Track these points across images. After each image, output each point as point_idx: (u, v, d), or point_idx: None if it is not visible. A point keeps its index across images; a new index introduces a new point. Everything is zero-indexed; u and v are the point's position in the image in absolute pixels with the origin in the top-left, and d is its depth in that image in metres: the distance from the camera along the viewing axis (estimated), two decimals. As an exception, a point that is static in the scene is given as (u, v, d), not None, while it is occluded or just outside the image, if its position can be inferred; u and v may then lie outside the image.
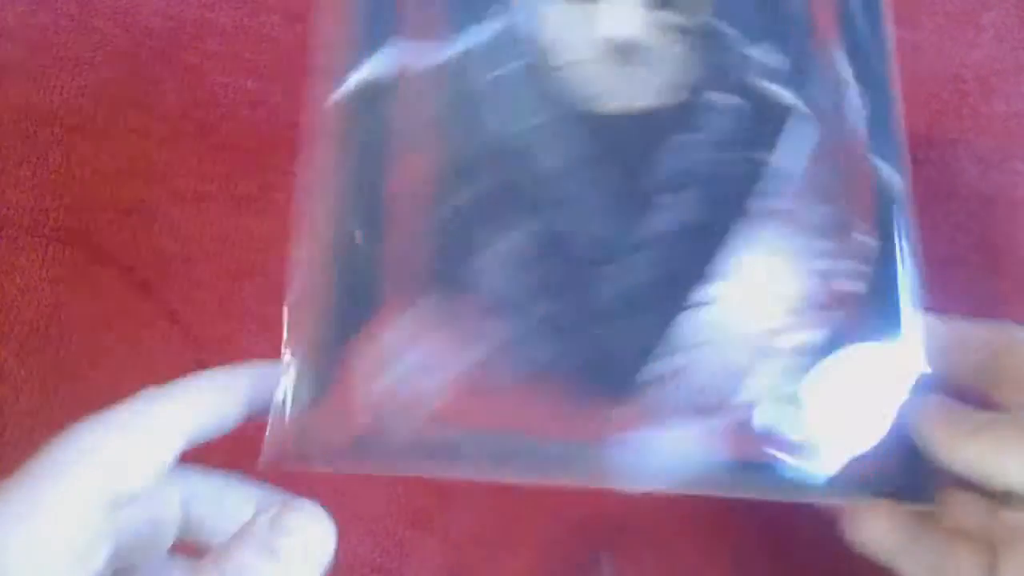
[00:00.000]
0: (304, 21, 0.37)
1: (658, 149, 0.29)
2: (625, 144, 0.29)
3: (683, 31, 0.30)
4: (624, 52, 0.29)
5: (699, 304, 0.27)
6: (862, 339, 0.28)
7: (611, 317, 0.27)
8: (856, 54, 0.31)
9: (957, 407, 0.26)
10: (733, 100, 0.30)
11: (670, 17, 0.30)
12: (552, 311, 0.27)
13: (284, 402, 0.25)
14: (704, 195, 0.28)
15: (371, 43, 0.28)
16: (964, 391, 0.26)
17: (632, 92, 0.29)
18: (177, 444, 0.22)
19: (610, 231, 0.28)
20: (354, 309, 0.26)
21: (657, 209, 0.28)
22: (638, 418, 0.26)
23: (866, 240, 0.29)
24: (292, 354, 0.25)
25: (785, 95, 0.30)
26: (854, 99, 0.30)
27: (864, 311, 0.28)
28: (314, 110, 0.27)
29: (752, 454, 0.26)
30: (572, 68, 0.29)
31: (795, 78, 0.30)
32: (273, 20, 0.37)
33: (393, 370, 0.25)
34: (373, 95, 0.28)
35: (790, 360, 0.27)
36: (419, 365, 0.25)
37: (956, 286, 0.32)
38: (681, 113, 0.29)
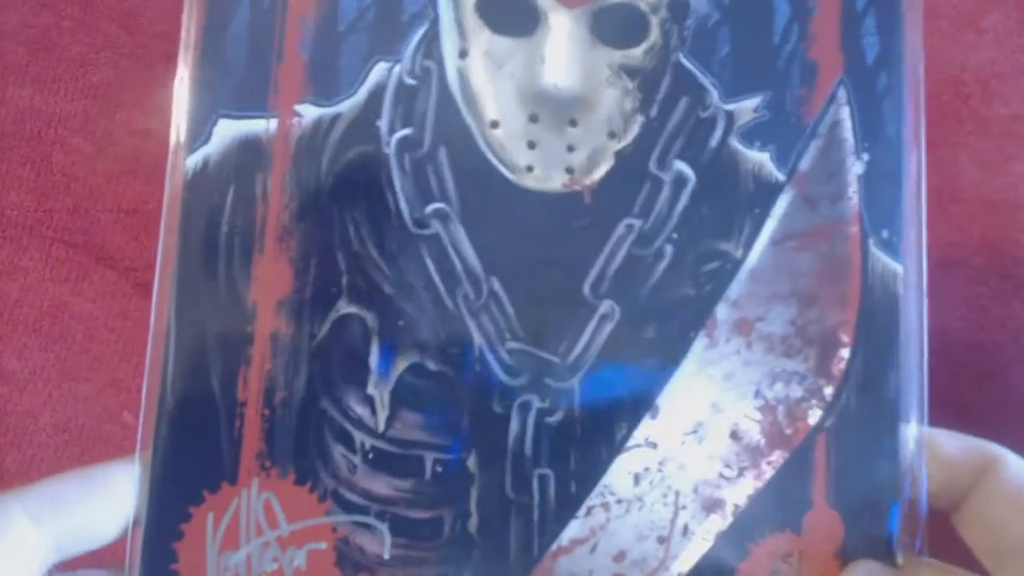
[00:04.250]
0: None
1: (595, 241, 0.24)
2: (552, 233, 0.24)
3: (641, 78, 0.24)
4: (563, 107, 0.24)
5: (629, 449, 0.23)
6: (817, 492, 0.23)
7: (520, 468, 0.23)
8: (864, 107, 0.24)
9: None
10: (697, 174, 0.24)
11: (626, 57, 0.24)
12: (448, 465, 0.23)
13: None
14: (654, 303, 0.24)
15: (205, 119, 0.23)
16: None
17: (568, 163, 0.24)
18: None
19: (532, 357, 0.23)
20: (199, 477, 0.22)
21: (595, 322, 0.24)
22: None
23: (841, 355, 0.23)
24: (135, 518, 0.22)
25: (767, 166, 0.24)
26: (854, 170, 0.24)
27: (831, 446, 0.23)
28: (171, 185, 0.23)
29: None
30: (496, 128, 0.24)
31: (782, 143, 0.24)
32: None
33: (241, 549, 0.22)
34: (214, 176, 0.23)
35: (731, 521, 0.23)
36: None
37: (957, 290, 0.32)
38: (629, 191, 0.24)
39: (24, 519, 0.20)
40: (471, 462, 0.23)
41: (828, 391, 0.24)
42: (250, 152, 0.23)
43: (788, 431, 0.24)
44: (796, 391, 0.24)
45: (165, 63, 0.34)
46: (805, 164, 0.25)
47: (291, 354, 0.23)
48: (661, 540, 0.23)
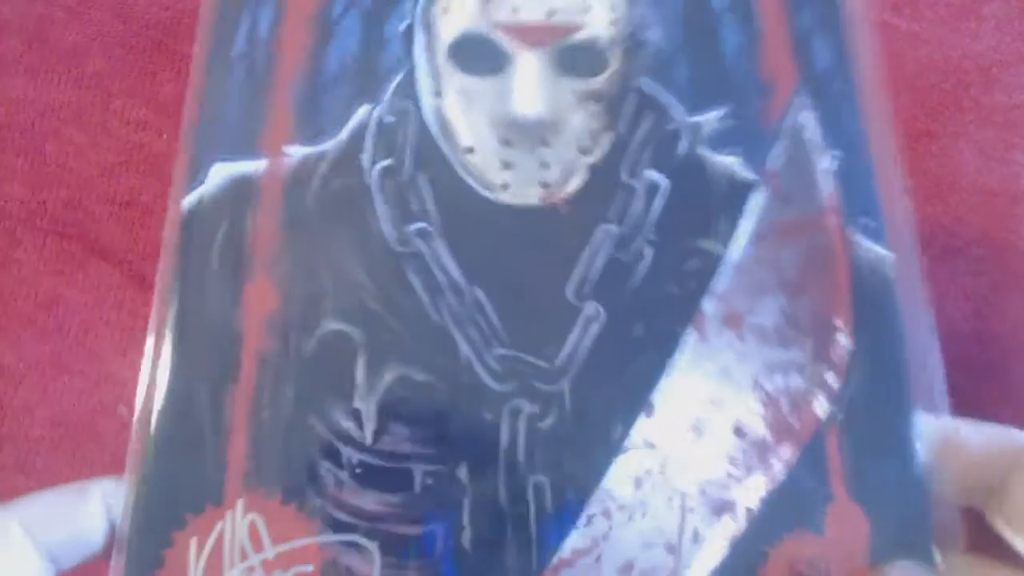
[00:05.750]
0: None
1: (574, 248, 0.24)
2: (532, 244, 0.24)
3: (606, 102, 0.25)
4: (533, 131, 0.25)
5: (626, 451, 0.22)
6: (837, 486, 0.21)
7: (514, 477, 0.22)
8: (824, 111, 0.25)
9: None
10: (669, 180, 0.24)
11: (589, 85, 0.26)
12: (438, 477, 0.22)
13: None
14: (639, 302, 0.23)
15: (203, 159, 0.24)
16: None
17: (542, 178, 0.25)
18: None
19: (519, 361, 0.23)
20: (185, 498, 0.22)
21: (581, 324, 0.24)
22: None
23: (841, 343, 0.23)
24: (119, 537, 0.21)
25: (736, 169, 0.25)
26: (823, 165, 0.24)
27: (843, 440, 0.22)
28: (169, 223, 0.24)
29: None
30: (472, 153, 0.25)
31: (748, 147, 0.25)
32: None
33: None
34: (208, 213, 0.24)
35: (745, 524, 0.21)
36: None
37: (957, 280, 0.32)
38: (603, 200, 0.24)
39: (19, 531, 0.20)
40: (462, 473, 0.22)
41: (832, 380, 0.23)
42: (241, 189, 0.24)
43: (795, 424, 0.23)
44: (798, 381, 0.23)
45: (158, 52, 0.34)
46: (773, 165, 0.25)
47: (278, 373, 0.23)
48: (670, 548, 0.21)
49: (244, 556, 0.21)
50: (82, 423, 0.30)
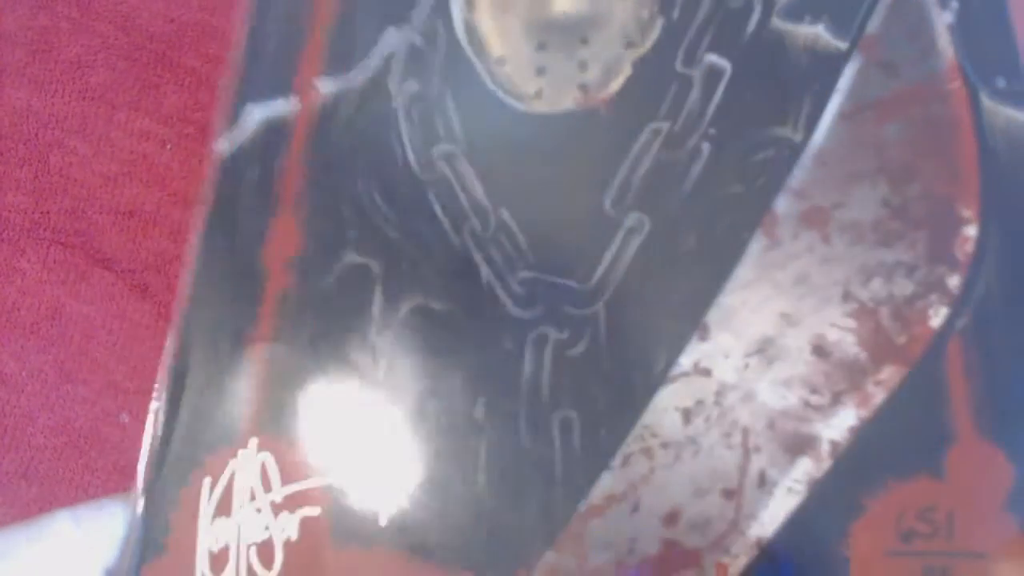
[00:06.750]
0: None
1: (615, 153, 0.20)
2: (566, 154, 0.21)
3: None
4: (572, 30, 0.22)
5: (678, 378, 0.18)
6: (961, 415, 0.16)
7: (536, 413, 0.19)
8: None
9: None
10: (733, 63, 0.20)
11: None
12: (452, 415, 0.19)
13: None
14: (693, 208, 0.19)
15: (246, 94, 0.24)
16: None
17: (580, 80, 0.22)
18: None
19: (547, 283, 0.20)
20: (200, 438, 0.21)
21: (620, 238, 0.20)
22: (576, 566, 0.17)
23: (966, 234, 0.17)
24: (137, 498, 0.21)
25: (822, 38, 0.20)
26: (939, 20, 0.19)
27: (970, 356, 0.16)
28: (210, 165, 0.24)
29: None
30: (504, 64, 0.22)
31: (837, 11, 0.20)
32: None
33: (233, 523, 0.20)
34: (240, 157, 0.23)
35: (830, 465, 0.16)
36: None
37: None
38: (652, 96, 0.21)
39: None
40: (478, 411, 0.19)
41: (953, 281, 0.17)
42: (271, 131, 0.24)
43: (900, 339, 0.17)
44: (904, 286, 0.18)
45: (162, 64, 0.35)
46: (873, 28, 0.20)
47: (296, 310, 0.21)
48: (728, 494, 0.17)
49: (253, 496, 0.20)
50: (84, 431, 0.30)
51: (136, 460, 0.26)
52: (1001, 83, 0.18)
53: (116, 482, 0.26)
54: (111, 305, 0.32)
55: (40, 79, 0.36)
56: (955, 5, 0.20)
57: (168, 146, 0.37)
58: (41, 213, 0.35)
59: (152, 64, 0.36)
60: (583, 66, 0.22)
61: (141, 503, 0.20)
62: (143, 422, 0.27)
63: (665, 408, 0.18)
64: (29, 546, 0.22)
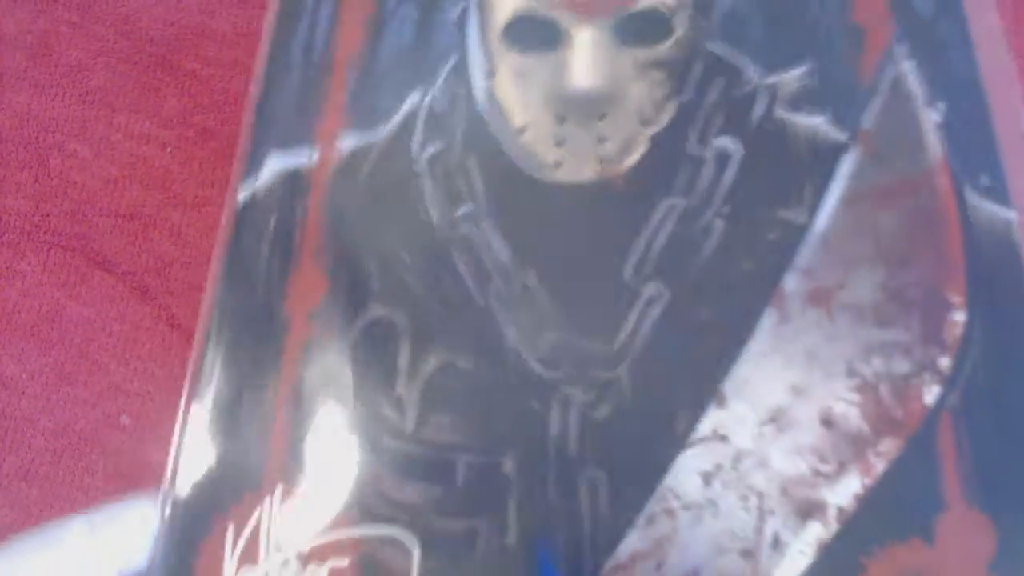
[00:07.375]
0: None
1: (632, 225, 0.22)
2: (585, 223, 0.22)
3: (670, 69, 0.23)
4: (590, 105, 0.24)
5: (697, 443, 0.20)
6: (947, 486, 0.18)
7: (565, 471, 0.20)
8: (928, 59, 0.21)
9: None
10: (743, 146, 0.22)
11: (653, 53, 0.24)
12: (482, 470, 0.20)
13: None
14: (708, 281, 0.21)
15: (260, 151, 0.25)
16: None
17: (598, 153, 0.23)
18: None
19: (572, 346, 0.21)
20: (229, 482, 0.21)
21: (640, 306, 0.21)
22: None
23: (955, 319, 0.19)
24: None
25: (823, 130, 0.22)
26: (928, 119, 0.21)
27: (960, 432, 0.18)
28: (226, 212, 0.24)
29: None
30: (524, 133, 0.24)
31: (837, 105, 0.22)
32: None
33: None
34: (261, 205, 0.24)
35: (837, 529, 0.18)
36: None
37: None
38: (666, 173, 0.22)
39: None
40: (508, 466, 0.20)
41: (944, 362, 0.19)
42: (293, 180, 0.24)
43: (898, 413, 0.19)
44: (902, 365, 0.19)
45: (161, 68, 0.35)
46: (868, 123, 0.22)
47: (320, 361, 0.22)
48: (746, 554, 0.18)
49: (280, 546, 0.20)
50: (85, 434, 0.30)
51: (136, 461, 0.25)
52: (985, 180, 0.21)
53: (116, 484, 0.26)
54: (111, 307, 0.32)
55: (40, 82, 0.36)
56: (942, 106, 0.22)
57: (168, 149, 0.37)
58: (41, 216, 0.34)
59: (152, 67, 0.36)
60: (601, 140, 0.23)
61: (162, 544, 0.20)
62: (143, 424, 0.26)
63: (687, 471, 0.19)
64: (44, 552, 0.22)
